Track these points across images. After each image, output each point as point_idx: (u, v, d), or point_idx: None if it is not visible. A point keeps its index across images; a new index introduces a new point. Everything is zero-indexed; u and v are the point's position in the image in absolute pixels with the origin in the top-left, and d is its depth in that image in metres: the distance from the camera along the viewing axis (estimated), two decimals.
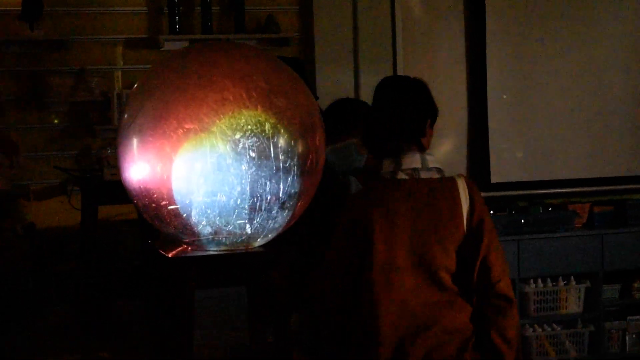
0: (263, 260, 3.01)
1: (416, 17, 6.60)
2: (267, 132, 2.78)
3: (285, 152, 2.81)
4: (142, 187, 2.87)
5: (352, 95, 6.32)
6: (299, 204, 2.92)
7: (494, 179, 6.64)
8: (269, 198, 2.82)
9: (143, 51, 6.14)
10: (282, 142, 2.80)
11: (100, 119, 5.96)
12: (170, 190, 2.81)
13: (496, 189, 6.65)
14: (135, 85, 3.01)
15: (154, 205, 2.86)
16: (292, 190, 2.87)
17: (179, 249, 3.05)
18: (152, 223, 2.97)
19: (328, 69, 6.39)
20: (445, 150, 6.61)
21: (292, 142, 2.82)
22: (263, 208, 2.84)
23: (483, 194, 6.30)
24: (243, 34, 6.27)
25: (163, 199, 2.83)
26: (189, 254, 2.98)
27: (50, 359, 4.30)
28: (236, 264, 2.98)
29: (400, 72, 6.41)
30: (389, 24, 6.48)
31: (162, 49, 6.00)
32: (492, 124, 6.64)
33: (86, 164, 5.84)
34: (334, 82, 6.41)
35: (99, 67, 6.05)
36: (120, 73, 6.09)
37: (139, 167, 2.85)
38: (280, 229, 2.96)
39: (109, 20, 6.09)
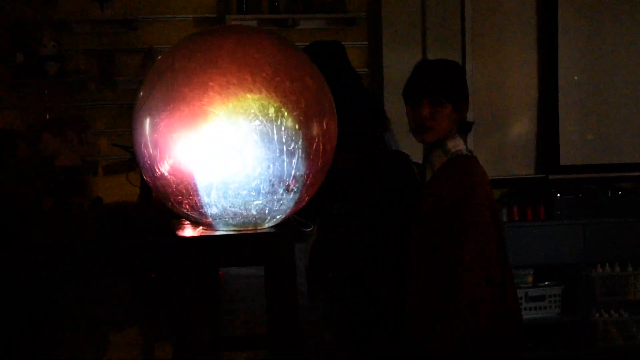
0: (273, 240, 3.06)
1: None
2: (270, 115, 2.82)
3: (290, 136, 2.84)
4: (152, 166, 2.95)
5: None
6: (305, 186, 2.96)
7: (564, 161, 6.59)
8: (272, 180, 2.87)
9: None
10: (286, 125, 2.83)
11: None
12: (178, 170, 2.88)
13: (565, 172, 6.59)
14: (152, 66, 3.09)
15: (164, 185, 2.94)
16: (297, 173, 2.90)
17: (194, 229, 3.12)
18: (163, 202, 3.05)
19: (395, 50, 6.41)
20: (514, 131, 6.57)
21: (297, 125, 2.85)
22: (267, 190, 2.88)
23: (552, 176, 6.30)
24: (310, 14, 6.33)
25: (171, 179, 2.91)
26: (198, 234, 3.04)
27: (112, 331, 4.42)
28: (246, 244, 3.04)
29: (469, 53, 6.39)
30: (459, 4, 6.45)
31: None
32: (562, 105, 6.58)
33: None
34: (401, 64, 6.41)
35: (167, 46, 6.16)
36: None
37: (150, 148, 2.93)
38: (288, 211, 3.01)
39: (177, 0, 6.21)
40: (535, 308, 6.37)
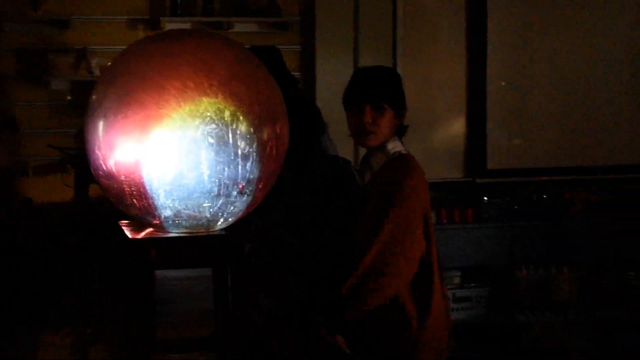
0: (224, 242, 3.10)
1: (417, 2, 6.64)
2: (226, 119, 2.86)
3: (244, 139, 2.89)
4: (105, 169, 2.96)
5: None
6: (258, 189, 3.01)
7: (491, 165, 6.70)
8: (227, 183, 2.91)
9: (144, 32, 6.22)
10: (241, 129, 2.88)
11: None
12: (132, 173, 2.90)
13: (492, 176, 6.70)
14: (104, 70, 3.10)
15: (115, 186, 2.96)
16: (251, 176, 2.95)
17: (146, 230, 3.14)
18: (116, 204, 3.06)
19: (328, 54, 6.46)
20: (442, 135, 6.66)
21: (251, 129, 2.90)
22: (222, 193, 2.92)
23: (479, 180, 6.40)
24: (244, 17, 6.35)
25: (125, 182, 2.92)
26: (150, 236, 3.07)
27: (45, 332, 4.40)
28: (198, 246, 3.08)
29: (400, 57, 6.46)
30: (390, 9, 6.53)
31: (163, 30, 6.08)
32: (490, 110, 6.69)
33: (84, 142, 5.93)
34: (334, 67, 6.47)
35: (100, 47, 6.15)
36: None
37: (104, 150, 2.94)
38: (240, 213, 3.05)
39: (111, 1, 6.18)
40: (462, 309, 6.47)
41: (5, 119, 6.04)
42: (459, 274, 6.55)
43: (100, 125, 2.95)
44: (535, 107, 6.78)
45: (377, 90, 3.48)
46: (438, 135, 6.71)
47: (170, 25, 6.15)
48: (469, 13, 6.70)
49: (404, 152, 3.53)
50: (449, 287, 6.50)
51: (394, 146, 3.50)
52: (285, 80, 3.98)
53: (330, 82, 6.44)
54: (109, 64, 3.12)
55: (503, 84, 6.71)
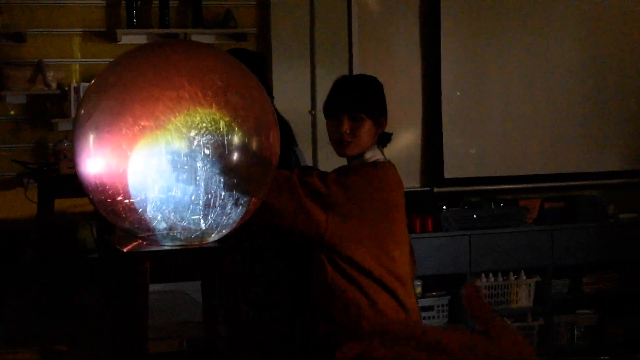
0: (217, 255, 3.08)
1: (372, 14, 6.68)
2: (221, 129, 2.83)
3: (239, 149, 2.86)
4: (97, 182, 2.92)
5: (308, 92, 6.39)
6: (252, 200, 2.99)
7: (447, 174, 6.76)
8: (222, 194, 2.88)
9: (100, 44, 6.17)
10: (236, 139, 2.86)
11: (57, 112, 5.99)
12: (125, 185, 2.86)
13: (449, 185, 6.77)
14: (92, 82, 3.06)
15: (109, 200, 2.91)
16: (246, 187, 2.93)
17: (134, 243, 3.10)
18: (108, 218, 3.02)
19: (284, 64, 6.47)
20: (399, 145, 6.70)
21: (246, 139, 2.88)
22: (217, 204, 2.89)
23: (436, 189, 6.43)
24: (201, 29, 6.33)
25: (118, 194, 2.88)
26: (143, 249, 3.03)
27: (6, 352, 4.31)
28: (191, 259, 3.05)
29: (355, 68, 6.49)
30: (346, 21, 6.56)
31: (119, 42, 6.04)
32: (445, 120, 6.76)
33: (43, 157, 5.86)
34: (290, 77, 6.49)
35: (56, 60, 6.08)
36: (77, 66, 6.12)
37: (95, 163, 2.90)
38: (235, 224, 3.02)
39: (66, 13, 6.11)
40: (424, 318, 6.50)
41: None
42: (419, 283, 6.59)
43: (91, 138, 2.90)
44: (490, 115, 6.87)
45: (355, 99, 3.50)
46: (395, 146, 6.70)
47: (126, 37, 6.10)
48: (423, 25, 6.76)
49: (382, 160, 3.54)
50: None
51: (372, 155, 3.52)
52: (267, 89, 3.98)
53: (287, 93, 6.44)
54: (97, 75, 3.07)
55: (458, 93, 6.78)
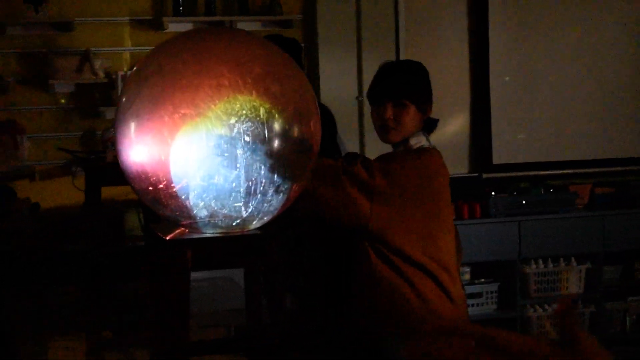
0: (258, 242, 3.07)
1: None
2: (261, 117, 2.82)
3: (280, 137, 2.85)
4: (139, 170, 2.92)
5: (355, 78, 6.36)
6: (293, 187, 2.97)
7: (496, 160, 6.70)
8: (263, 182, 2.87)
9: (147, 32, 6.20)
10: (276, 126, 2.84)
11: (105, 101, 6.02)
12: (167, 173, 2.86)
13: (498, 170, 6.71)
14: (133, 70, 3.06)
15: (150, 188, 2.92)
16: (287, 174, 2.92)
17: (177, 231, 3.10)
18: (150, 206, 3.02)
19: (330, 51, 6.44)
20: (447, 131, 6.66)
21: (286, 126, 2.86)
22: (258, 192, 2.88)
23: (485, 175, 6.38)
24: (246, 16, 6.32)
25: (160, 182, 2.89)
26: (185, 237, 3.03)
27: (56, 340, 4.35)
28: (232, 247, 3.04)
29: (402, 55, 6.45)
30: (392, 6, 6.51)
31: (166, 30, 6.06)
32: (494, 106, 6.69)
33: (91, 145, 5.90)
34: (337, 64, 6.46)
35: (103, 48, 6.11)
36: (124, 54, 6.15)
37: (137, 151, 2.90)
38: (276, 212, 3.01)
39: (113, 2, 6.15)
40: (473, 305, 6.46)
41: (11, 123, 5.98)
42: (468, 269, 6.55)
43: (133, 126, 2.91)
44: (539, 100, 6.79)
45: (399, 85, 3.46)
46: (443, 132, 6.70)
47: (172, 25, 6.12)
48: (471, 9, 6.70)
49: (427, 147, 3.51)
50: None
51: (417, 141, 3.49)
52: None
53: (333, 80, 6.43)
54: (137, 63, 3.07)
55: (506, 78, 6.72)
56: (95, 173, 5.14)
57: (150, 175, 2.91)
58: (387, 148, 3.62)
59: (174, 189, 2.90)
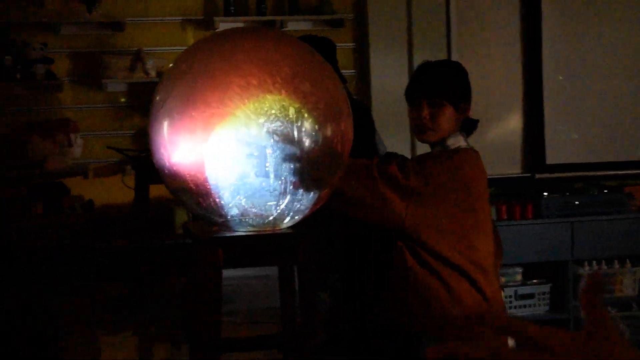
0: (290, 241, 3.08)
1: None
2: (291, 116, 2.83)
3: (309, 136, 2.86)
4: (172, 169, 2.95)
5: (405, 78, 6.35)
6: (323, 187, 2.98)
7: (550, 160, 6.64)
8: (293, 181, 2.88)
9: (198, 32, 6.24)
10: (306, 126, 2.85)
11: None
12: (197, 172, 2.88)
13: (551, 171, 6.65)
14: (167, 69, 3.09)
15: (182, 187, 2.94)
16: (317, 174, 2.92)
17: (211, 229, 3.13)
18: (183, 204, 3.06)
19: (381, 50, 6.43)
20: (500, 131, 6.61)
21: (316, 126, 2.87)
22: (288, 191, 2.90)
23: (538, 175, 6.32)
24: (297, 15, 6.34)
25: (191, 181, 2.91)
26: (216, 235, 3.06)
27: (105, 334, 4.42)
28: (263, 245, 3.06)
29: (454, 54, 6.41)
30: (443, 5, 6.48)
31: (217, 30, 6.09)
32: (547, 105, 6.63)
33: (142, 144, 5.96)
34: (387, 63, 6.45)
35: (154, 48, 6.18)
36: (176, 54, 6.19)
37: (169, 150, 2.93)
38: (307, 211, 3.02)
39: (164, 2, 6.20)
40: (524, 306, 6.41)
41: (65, 122, 6.07)
42: (520, 270, 6.50)
43: (165, 124, 2.94)
44: (593, 100, 6.71)
45: (435, 85, 3.44)
46: (496, 132, 6.66)
47: (223, 25, 6.15)
48: (523, 8, 6.64)
49: (465, 147, 3.48)
50: (510, 284, 6.45)
51: (455, 142, 3.45)
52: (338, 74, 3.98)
53: (385, 79, 6.42)
54: (172, 63, 3.11)
55: (560, 77, 6.65)
56: (144, 171, 5.18)
57: (181, 174, 2.94)
58: None
59: (204, 189, 2.92)
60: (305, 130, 2.86)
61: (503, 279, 6.38)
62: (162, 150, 2.98)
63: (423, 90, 3.43)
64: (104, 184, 6.07)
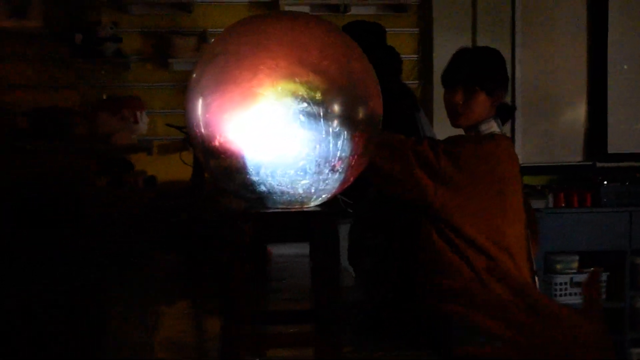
0: (316, 218, 3.17)
1: None
2: (317, 98, 2.92)
3: (336, 117, 2.95)
4: (205, 146, 3.07)
5: None
6: (350, 167, 3.07)
7: (611, 149, 6.63)
8: (318, 161, 2.98)
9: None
10: (332, 107, 2.94)
11: None
12: (227, 149, 3.00)
13: (613, 160, 6.62)
14: (204, 50, 3.22)
15: (215, 163, 3.07)
16: (343, 155, 3.01)
17: (240, 205, 3.24)
18: (216, 180, 3.18)
19: (446, 37, 6.48)
20: (563, 119, 6.61)
21: (343, 108, 2.96)
22: (313, 170, 2.99)
23: (599, 164, 6.33)
24: (362, 0, 6.40)
25: (223, 159, 3.03)
26: (244, 211, 3.17)
27: (160, 304, 4.56)
28: (292, 222, 3.16)
29: (518, 40, 6.43)
30: None
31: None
32: (611, 94, 6.61)
33: None
34: (451, 50, 6.45)
35: (220, 29, 6.29)
36: None
37: (202, 127, 3.06)
38: (333, 190, 3.12)
39: None
40: (580, 294, 6.41)
41: (132, 99, 6.25)
42: (577, 258, 6.51)
43: (199, 103, 3.06)
44: None
45: (469, 71, 3.51)
46: (558, 119, 6.66)
47: (289, 8, 6.26)
48: None
49: (497, 133, 3.54)
50: (566, 271, 6.46)
51: (488, 127, 3.52)
52: (379, 53, 4.04)
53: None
54: (209, 44, 3.23)
55: (625, 67, 6.61)
56: None
57: (213, 151, 3.06)
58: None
59: (235, 166, 3.04)
60: (331, 111, 2.96)
61: (559, 266, 6.40)
62: (195, 129, 3.11)
63: (458, 76, 3.51)
64: (166, 161, 6.24)
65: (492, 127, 3.56)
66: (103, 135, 6.17)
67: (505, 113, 3.69)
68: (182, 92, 6.27)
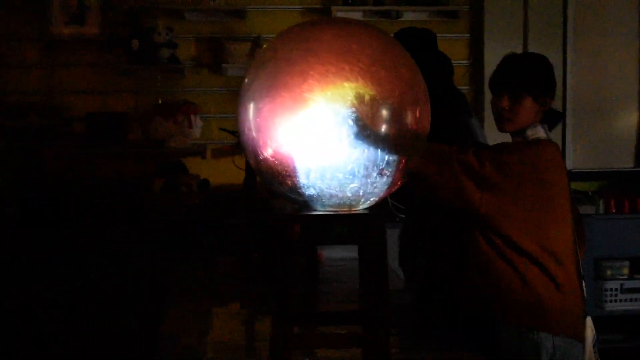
0: (365, 221, 3.24)
1: None
2: (366, 103, 2.99)
3: (383, 123, 3.02)
4: (256, 150, 3.16)
5: None
6: (398, 171, 3.13)
7: None
8: (366, 165, 3.05)
9: None
10: (380, 113, 3.01)
11: None
12: (277, 153, 3.08)
13: None
14: (255, 56, 3.30)
15: (265, 166, 3.15)
16: (390, 159, 3.08)
17: (289, 208, 3.32)
18: (265, 183, 3.26)
19: (497, 43, 6.50)
20: (614, 125, 6.61)
21: (390, 113, 3.02)
22: (361, 174, 3.06)
23: None
24: (413, 6, 6.45)
25: (272, 162, 3.11)
26: (293, 213, 3.24)
27: (216, 304, 4.63)
28: (341, 224, 3.24)
29: (570, 46, 6.44)
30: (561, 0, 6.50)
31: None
32: None
33: None
34: (502, 56, 6.48)
35: (273, 34, 6.38)
36: None
37: (253, 130, 3.14)
38: (381, 193, 3.18)
39: None
40: (630, 300, 6.41)
41: (186, 104, 6.35)
42: (627, 264, 6.49)
43: (250, 107, 3.14)
44: None
45: (516, 77, 3.55)
46: (609, 125, 6.65)
47: (341, 14, 6.34)
48: None
49: (543, 139, 3.57)
50: (617, 277, 6.45)
51: (534, 133, 3.55)
52: (429, 58, 4.10)
53: None
54: (260, 50, 3.31)
55: None
56: None
57: (264, 155, 3.14)
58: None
59: (285, 169, 3.12)
60: (379, 116, 3.02)
61: (609, 272, 6.40)
62: (247, 132, 3.19)
63: (504, 82, 3.56)
64: (220, 164, 6.33)
65: (539, 132, 3.58)
66: (158, 139, 6.29)
67: (553, 118, 3.71)
68: (235, 97, 6.35)
